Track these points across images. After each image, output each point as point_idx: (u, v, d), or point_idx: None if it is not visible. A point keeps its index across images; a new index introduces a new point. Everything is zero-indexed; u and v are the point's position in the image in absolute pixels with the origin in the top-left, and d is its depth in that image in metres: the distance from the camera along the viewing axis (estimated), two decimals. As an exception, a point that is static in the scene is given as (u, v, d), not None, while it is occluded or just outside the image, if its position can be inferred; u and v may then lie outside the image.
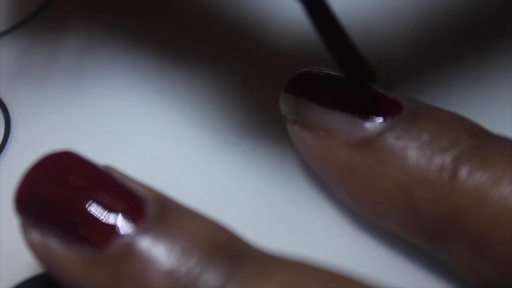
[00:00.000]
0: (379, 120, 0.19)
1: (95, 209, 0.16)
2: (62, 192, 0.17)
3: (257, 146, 0.22)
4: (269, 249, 0.17)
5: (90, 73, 0.25)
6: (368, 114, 0.19)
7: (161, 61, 0.25)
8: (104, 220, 0.16)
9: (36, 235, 0.17)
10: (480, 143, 0.17)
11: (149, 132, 0.23)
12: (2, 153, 0.23)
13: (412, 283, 0.19)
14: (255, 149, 0.22)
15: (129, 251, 0.16)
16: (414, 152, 0.18)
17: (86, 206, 0.16)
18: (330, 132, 0.19)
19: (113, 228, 0.16)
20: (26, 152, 0.23)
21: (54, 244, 0.16)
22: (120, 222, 0.16)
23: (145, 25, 0.26)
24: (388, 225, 0.19)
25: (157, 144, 0.23)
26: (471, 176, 0.17)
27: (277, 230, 0.20)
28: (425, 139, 0.18)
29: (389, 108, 0.19)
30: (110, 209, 0.16)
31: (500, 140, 0.18)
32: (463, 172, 0.17)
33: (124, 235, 0.16)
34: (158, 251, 0.16)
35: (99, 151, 0.23)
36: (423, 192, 0.17)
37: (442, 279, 0.19)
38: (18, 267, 0.20)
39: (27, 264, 0.19)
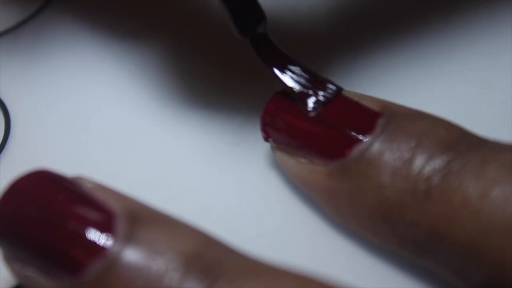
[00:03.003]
0: (353, 144, 0.18)
1: (67, 232, 0.16)
2: (29, 221, 0.17)
3: (257, 147, 0.22)
4: (260, 250, 0.17)
5: (90, 72, 0.25)
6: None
7: (161, 62, 0.25)
8: (75, 244, 0.16)
9: (16, 265, 0.17)
10: (452, 156, 0.17)
11: (149, 132, 0.23)
12: (2, 153, 0.23)
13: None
14: (255, 149, 0.22)
15: (104, 279, 0.16)
16: (388, 177, 0.18)
17: (55, 232, 0.16)
18: (310, 159, 0.19)
19: (85, 250, 0.16)
20: (26, 152, 0.23)
21: (34, 274, 0.16)
22: (93, 253, 0.16)
23: (146, 25, 0.26)
24: (374, 241, 0.19)
25: (157, 144, 0.23)
26: (443, 197, 0.17)
27: (277, 230, 0.20)
28: (397, 162, 0.18)
29: (362, 126, 0.19)
30: (80, 232, 0.16)
31: (475, 146, 0.18)
32: (436, 193, 0.17)
33: (98, 264, 0.16)
34: (131, 275, 0.15)
35: (99, 151, 0.23)
36: (401, 216, 0.17)
37: (428, 284, 0.19)
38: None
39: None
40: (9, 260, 0.17)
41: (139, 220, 0.17)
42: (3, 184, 0.22)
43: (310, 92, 0.20)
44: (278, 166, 0.22)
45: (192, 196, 0.21)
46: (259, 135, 0.21)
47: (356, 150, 0.18)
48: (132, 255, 0.16)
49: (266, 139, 0.21)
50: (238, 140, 0.23)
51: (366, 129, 0.19)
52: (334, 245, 0.20)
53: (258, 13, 0.20)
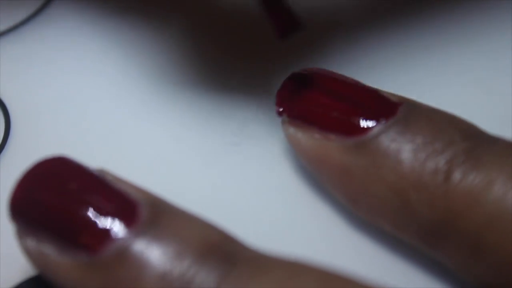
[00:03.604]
0: (373, 123, 0.19)
1: (89, 214, 0.16)
2: (56, 198, 0.17)
3: (256, 146, 0.22)
4: (264, 250, 0.17)
5: (91, 72, 0.25)
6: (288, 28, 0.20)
7: (161, 62, 0.25)
8: (98, 225, 0.16)
9: (31, 242, 0.17)
10: (474, 145, 0.17)
11: (148, 132, 0.23)
12: (2, 153, 0.23)
13: (409, 283, 0.19)
14: (254, 149, 0.22)
15: (123, 255, 0.16)
16: (408, 155, 0.18)
17: (80, 211, 0.16)
18: (325, 135, 0.19)
19: (106, 233, 0.16)
20: (26, 152, 0.23)
21: (49, 250, 0.17)
22: (113, 227, 0.16)
23: (144, 25, 0.26)
24: (383, 226, 0.19)
25: (157, 144, 0.23)
26: (465, 178, 0.17)
27: (276, 230, 0.20)
28: (419, 141, 0.18)
29: (383, 110, 0.19)
30: (103, 213, 0.16)
31: (494, 141, 0.18)
32: (457, 174, 0.17)
33: (117, 240, 0.16)
34: (151, 255, 0.16)
35: (99, 151, 0.23)
36: (418, 195, 0.17)
37: (440, 278, 0.19)
38: (18, 267, 0.20)
39: (27, 265, 0.19)
40: (23, 235, 0.17)
41: (160, 209, 0.17)
42: (3, 184, 0.22)
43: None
44: (278, 166, 0.22)
45: (192, 196, 0.21)
46: (259, 135, 0.21)
47: (377, 128, 0.18)
48: (152, 240, 0.16)
49: (280, 114, 0.21)
50: (238, 140, 0.23)
51: (388, 113, 0.19)
52: (336, 244, 0.20)
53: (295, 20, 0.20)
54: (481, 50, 0.24)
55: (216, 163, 0.22)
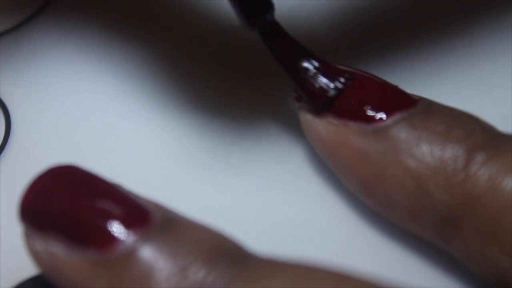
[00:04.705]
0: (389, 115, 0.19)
1: (100, 216, 0.16)
2: (68, 201, 0.17)
3: (257, 146, 0.22)
4: (265, 249, 0.17)
5: (90, 73, 0.25)
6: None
7: (160, 63, 0.25)
8: (109, 226, 0.16)
9: (40, 242, 0.17)
10: (493, 136, 0.18)
11: (148, 131, 0.23)
12: (2, 153, 0.23)
13: (419, 280, 0.19)
14: (255, 149, 0.22)
15: (134, 254, 0.16)
16: (428, 141, 0.18)
17: (92, 214, 0.16)
18: (344, 121, 0.19)
19: (119, 234, 0.16)
20: (26, 152, 0.23)
21: (58, 250, 0.16)
22: (125, 227, 0.16)
23: (144, 26, 0.26)
24: (396, 215, 0.19)
25: (157, 144, 0.23)
26: (484, 165, 0.17)
27: (277, 230, 0.20)
28: (440, 129, 0.18)
29: (404, 101, 0.19)
30: (115, 216, 0.16)
31: (511, 136, 0.18)
32: (477, 160, 0.17)
33: (129, 240, 0.16)
34: (163, 255, 0.16)
35: (99, 151, 0.23)
36: (436, 180, 0.17)
37: (451, 277, 0.19)
38: (18, 267, 0.20)
39: (27, 264, 0.19)
40: (31, 236, 0.17)
41: (171, 216, 0.17)
42: (3, 184, 0.22)
43: (324, 86, 0.20)
44: (279, 165, 0.22)
45: (192, 196, 0.21)
46: (259, 135, 0.21)
47: (398, 116, 0.19)
48: (164, 241, 0.16)
49: (298, 100, 0.21)
50: (238, 140, 0.23)
51: (409, 105, 0.19)
52: (341, 243, 0.20)
53: (266, 1, 0.20)
54: (482, 49, 0.24)
55: (217, 163, 0.22)
